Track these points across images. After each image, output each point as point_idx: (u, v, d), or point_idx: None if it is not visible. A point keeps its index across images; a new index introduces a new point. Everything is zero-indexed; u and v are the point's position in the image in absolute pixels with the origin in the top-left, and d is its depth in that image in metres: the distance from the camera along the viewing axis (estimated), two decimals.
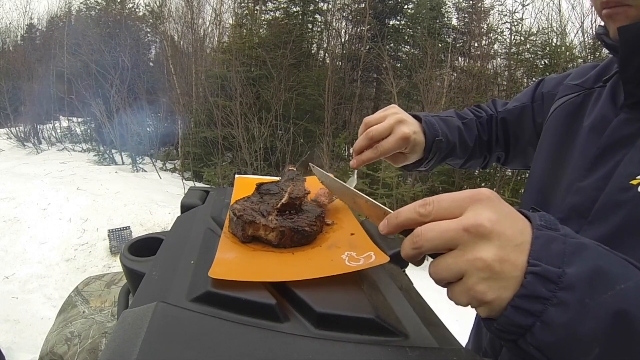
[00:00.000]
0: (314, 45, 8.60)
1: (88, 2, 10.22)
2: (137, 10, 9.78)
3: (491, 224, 0.30)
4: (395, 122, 0.62)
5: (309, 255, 0.45)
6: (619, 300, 0.28)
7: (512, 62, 6.93)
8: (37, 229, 4.43)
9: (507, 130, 0.77)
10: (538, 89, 0.71)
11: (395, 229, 0.35)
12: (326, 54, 8.46)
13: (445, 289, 0.33)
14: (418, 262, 0.35)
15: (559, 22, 6.88)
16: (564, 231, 0.32)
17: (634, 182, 0.42)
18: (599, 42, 0.51)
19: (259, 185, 0.56)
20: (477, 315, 0.74)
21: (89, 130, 9.47)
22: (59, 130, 9.90)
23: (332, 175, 0.45)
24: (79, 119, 9.63)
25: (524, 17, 6.98)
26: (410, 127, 0.64)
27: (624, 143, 0.46)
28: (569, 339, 0.28)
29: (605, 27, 0.49)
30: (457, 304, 0.32)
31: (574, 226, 0.47)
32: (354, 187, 0.61)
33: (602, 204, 0.45)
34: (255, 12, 8.31)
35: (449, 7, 7.80)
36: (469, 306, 0.31)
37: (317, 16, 8.35)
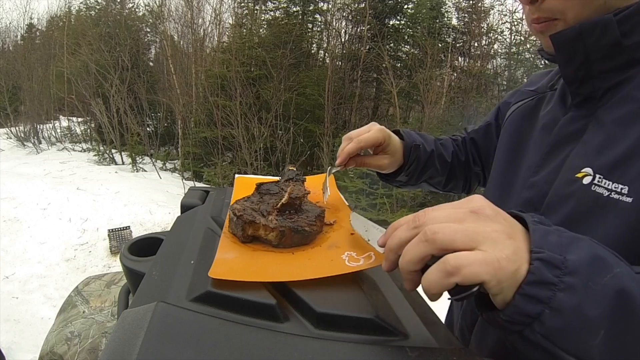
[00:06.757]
0: (314, 45, 8.59)
1: (88, 2, 10.21)
2: (137, 10, 9.78)
3: (493, 210, 0.32)
4: (370, 125, 0.69)
5: (309, 255, 0.45)
6: (619, 281, 0.30)
7: (512, 62, 6.93)
8: (37, 229, 4.43)
9: (478, 150, 0.81)
10: (499, 106, 0.76)
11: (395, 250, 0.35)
12: (326, 54, 8.45)
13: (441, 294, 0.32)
14: (435, 296, 0.33)
15: None
16: (557, 227, 0.33)
17: (579, 175, 0.45)
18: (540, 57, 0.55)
19: (259, 185, 0.56)
20: (449, 308, 0.76)
21: (89, 130, 9.46)
22: (59, 130, 9.89)
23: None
24: (79, 119, 9.63)
25: (524, 17, 6.97)
26: (384, 127, 0.70)
27: (571, 139, 0.49)
28: (578, 323, 0.29)
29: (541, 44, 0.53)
30: (465, 282, 0.29)
31: None
32: (328, 184, 0.63)
33: (552, 197, 0.48)
34: (255, 12, 8.30)
35: (449, 6, 7.79)
36: (465, 296, 0.30)
37: (317, 16, 8.34)
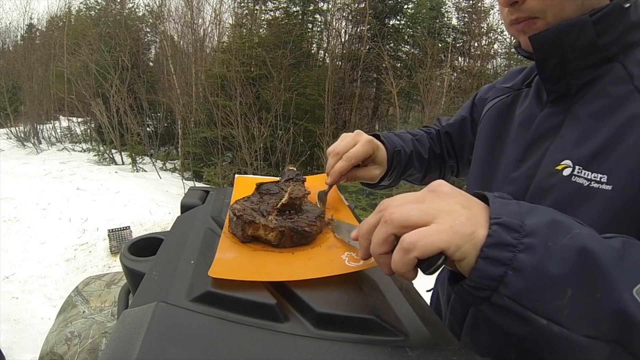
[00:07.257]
0: (314, 45, 8.59)
1: (88, 2, 10.21)
2: (137, 10, 9.77)
3: (450, 187, 0.35)
4: (355, 134, 0.66)
5: (309, 255, 0.45)
6: (579, 241, 0.30)
7: (512, 62, 6.92)
8: (37, 229, 4.43)
9: (452, 143, 0.83)
10: (474, 100, 0.78)
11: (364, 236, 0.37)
12: (326, 54, 8.45)
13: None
14: (412, 274, 0.34)
15: None
16: (518, 201, 0.35)
17: (560, 167, 0.47)
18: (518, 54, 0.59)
19: (259, 185, 0.56)
20: (434, 304, 0.76)
21: (89, 131, 9.46)
22: (59, 130, 9.89)
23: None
24: (79, 119, 9.63)
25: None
26: (371, 137, 0.68)
27: (549, 134, 0.51)
28: (542, 282, 0.30)
29: (518, 41, 0.55)
30: (424, 255, 0.31)
31: None
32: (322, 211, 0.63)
33: (533, 191, 0.50)
34: (255, 12, 8.30)
35: (449, 7, 7.79)
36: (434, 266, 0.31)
37: (317, 16, 8.33)
